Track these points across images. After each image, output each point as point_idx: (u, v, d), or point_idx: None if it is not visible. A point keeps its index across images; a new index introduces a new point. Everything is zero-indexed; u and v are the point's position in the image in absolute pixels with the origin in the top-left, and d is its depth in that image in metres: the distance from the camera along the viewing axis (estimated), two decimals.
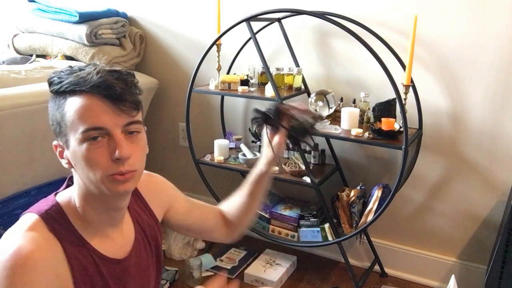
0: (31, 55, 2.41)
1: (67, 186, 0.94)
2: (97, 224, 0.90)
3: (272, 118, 1.05)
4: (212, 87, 2.10)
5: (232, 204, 1.21)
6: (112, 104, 0.81)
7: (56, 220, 0.85)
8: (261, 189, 1.15)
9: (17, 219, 0.87)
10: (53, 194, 0.92)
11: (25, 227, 0.82)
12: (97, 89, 0.79)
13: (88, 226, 0.89)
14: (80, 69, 0.83)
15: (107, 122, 0.81)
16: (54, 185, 1.83)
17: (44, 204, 0.88)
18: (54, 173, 1.85)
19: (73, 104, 0.81)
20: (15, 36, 2.54)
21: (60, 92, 0.82)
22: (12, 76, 1.91)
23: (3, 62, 2.27)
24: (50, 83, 0.84)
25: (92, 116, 0.80)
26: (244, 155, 2.10)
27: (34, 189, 1.80)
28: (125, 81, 0.83)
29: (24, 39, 2.50)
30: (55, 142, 0.87)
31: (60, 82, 0.82)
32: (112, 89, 0.80)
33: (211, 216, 1.20)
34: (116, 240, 0.94)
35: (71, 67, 0.85)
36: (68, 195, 0.90)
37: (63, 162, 0.87)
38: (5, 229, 0.85)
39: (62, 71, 0.84)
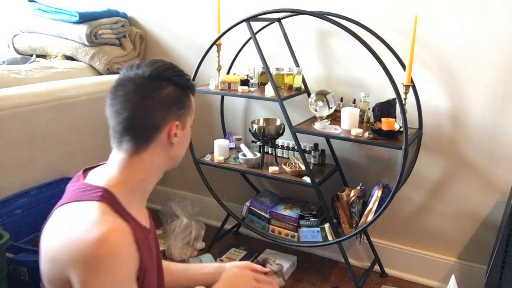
0: (31, 55, 2.41)
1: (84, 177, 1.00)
2: (139, 197, 1.01)
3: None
4: (212, 87, 2.10)
5: (180, 269, 1.28)
6: None
7: (112, 202, 0.92)
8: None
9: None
10: (92, 184, 0.96)
11: (98, 213, 0.87)
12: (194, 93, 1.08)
13: (131, 201, 0.97)
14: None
15: None
16: (54, 185, 1.84)
17: (92, 192, 0.93)
18: (54, 173, 1.84)
19: (193, 99, 1.06)
20: (15, 36, 2.54)
21: (188, 86, 1.04)
22: (12, 76, 1.92)
23: (3, 62, 2.27)
24: (187, 78, 1.04)
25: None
26: (244, 155, 2.10)
27: (34, 189, 1.79)
28: None
29: (24, 39, 2.50)
30: (176, 122, 1.00)
31: (189, 80, 1.05)
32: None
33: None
34: (145, 212, 1.07)
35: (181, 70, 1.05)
36: (115, 179, 0.96)
37: (173, 139, 1.00)
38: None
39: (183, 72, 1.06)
